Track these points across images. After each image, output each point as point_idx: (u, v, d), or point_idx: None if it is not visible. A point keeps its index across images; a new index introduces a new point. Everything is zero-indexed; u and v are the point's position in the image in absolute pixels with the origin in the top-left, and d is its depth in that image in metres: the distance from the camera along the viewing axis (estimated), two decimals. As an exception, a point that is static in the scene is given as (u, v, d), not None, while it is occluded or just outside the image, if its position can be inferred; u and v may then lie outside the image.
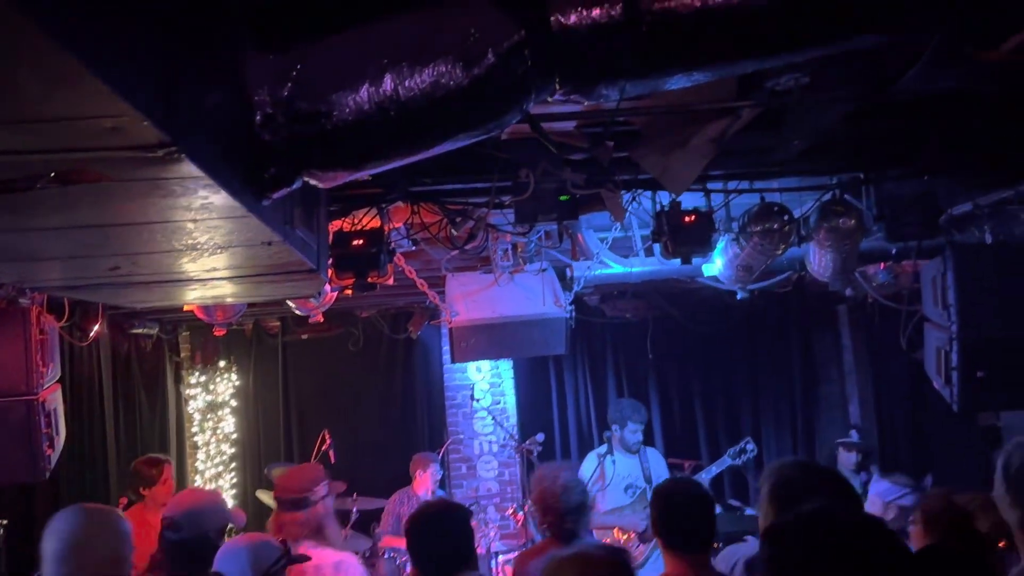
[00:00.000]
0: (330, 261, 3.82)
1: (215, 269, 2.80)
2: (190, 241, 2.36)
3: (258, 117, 1.97)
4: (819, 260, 4.26)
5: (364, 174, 2.21)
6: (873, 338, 7.09)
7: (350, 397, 7.87)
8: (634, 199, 4.02)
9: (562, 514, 3.55)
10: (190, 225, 2.16)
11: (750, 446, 6.17)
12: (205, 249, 2.46)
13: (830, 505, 2.14)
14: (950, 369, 3.68)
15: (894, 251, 4.24)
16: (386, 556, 5.75)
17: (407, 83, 1.95)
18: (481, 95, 2.01)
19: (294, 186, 2.06)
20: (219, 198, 1.91)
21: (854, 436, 6.30)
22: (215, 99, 1.92)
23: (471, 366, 7.94)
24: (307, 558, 3.14)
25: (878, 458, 6.75)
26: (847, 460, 6.05)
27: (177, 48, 1.72)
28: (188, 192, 1.86)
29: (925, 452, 7.09)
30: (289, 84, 1.98)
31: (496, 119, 2.10)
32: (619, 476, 6.00)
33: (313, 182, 2.10)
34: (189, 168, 1.69)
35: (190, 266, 2.76)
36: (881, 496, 4.23)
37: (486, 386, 7.97)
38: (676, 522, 2.97)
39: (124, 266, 2.73)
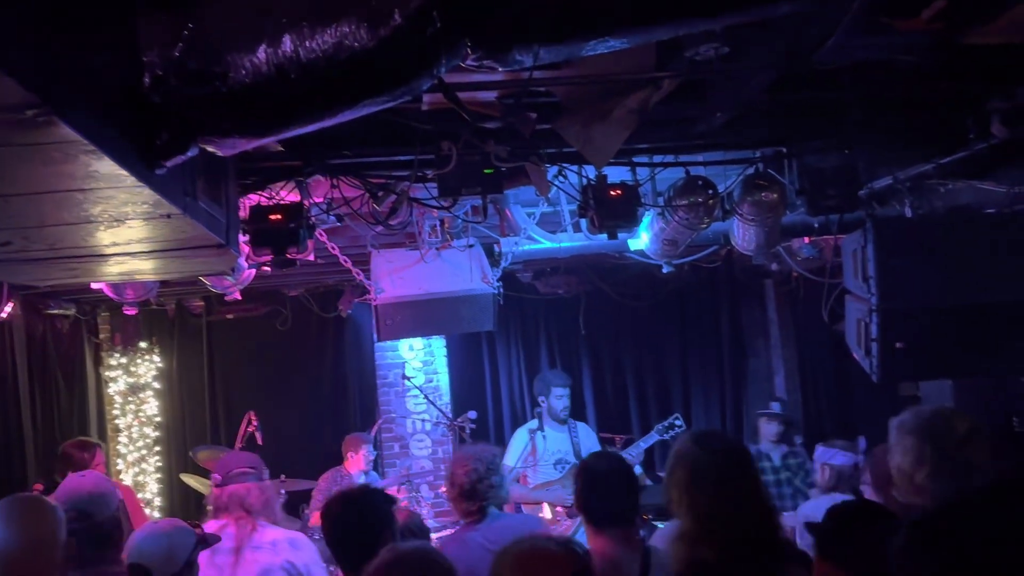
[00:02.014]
0: (246, 237, 3.69)
1: (116, 244, 2.66)
2: (83, 214, 2.22)
3: (147, 79, 1.85)
4: (743, 234, 4.28)
5: (266, 141, 2.11)
6: (798, 312, 7.20)
7: (279, 377, 7.70)
8: (560, 173, 3.97)
9: (467, 492, 3.47)
10: (79, 196, 2.03)
11: (678, 422, 6.21)
12: (100, 222, 2.32)
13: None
14: (870, 340, 3.72)
15: (816, 224, 4.28)
16: (316, 536, 5.65)
17: (308, 44, 1.85)
18: (388, 58, 1.92)
19: (189, 154, 1.95)
20: (104, 166, 1.79)
21: (775, 407, 6.37)
22: (100, 60, 1.79)
23: (403, 344, 7.84)
24: (218, 539, 3.07)
25: (803, 429, 6.88)
26: (768, 431, 6.11)
27: (54, 4, 1.60)
28: (70, 159, 1.73)
29: (848, 422, 7.25)
30: (181, 44, 1.86)
31: (405, 84, 2.01)
32: (549, 451, 6.00)
33: (211, 149, 1.99)
34: (65, 132, 1.57)
35: (89, 241, 2.62)
36: (817, 459, 4.44)
37: (418, 364, 7.88)
38: (598, 498, 2.94)
39: (16, 241, 2.57)
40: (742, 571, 2.14)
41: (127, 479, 7.38)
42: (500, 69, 2.16)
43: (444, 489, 3.61)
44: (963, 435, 2.57)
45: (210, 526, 3.40)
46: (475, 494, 3.48)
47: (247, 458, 3.70)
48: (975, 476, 2.52)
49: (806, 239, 5.16)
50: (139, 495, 7.08)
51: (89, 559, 2.92)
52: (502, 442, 7.38)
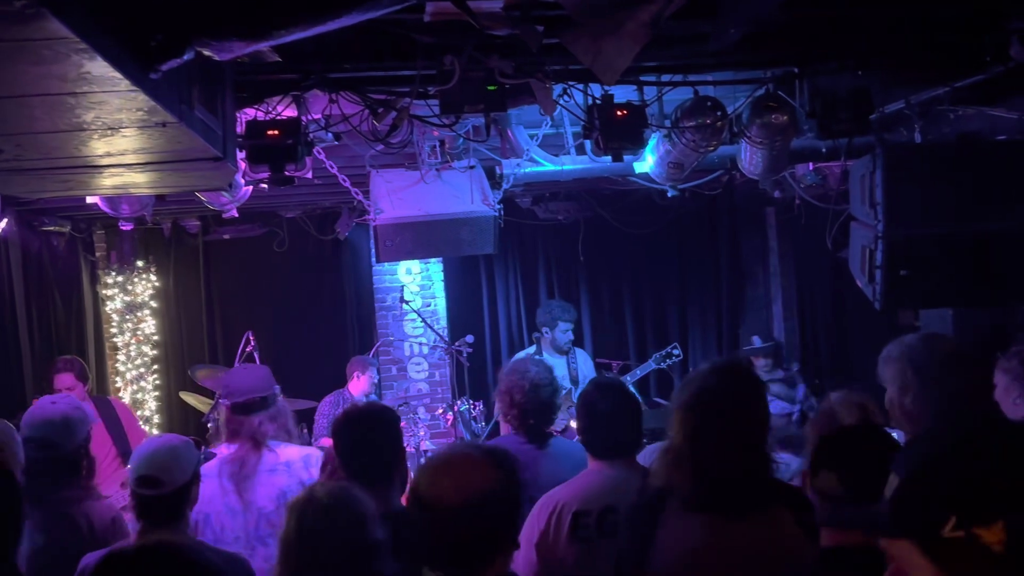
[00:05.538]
0: (243, 154, 3.61)
1: (110, 155, 2.58)
2: (75, 120, 2.15)
3: (140, -24, 1.76)
4: (750, 157, 4.21)
5: (264, 45, 2.02)
6: (798, 240, 7.17)
7: (276, 299, 7.71)
8: (565, 92, 3.86)
9: (526, 411, 3.46)
10: (71, 100, 1.96)
11: (676, 351, 6.23)
12: (94, 130, 2.25)
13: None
14: (874, 267, 3.68)
15: (824, 149, 4.20)
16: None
17: (309, -59, 1.76)
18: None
19: (185, 57, 1.87)
20: (97, 67, 1.71)
21: (756, 342, 6.40)
22: (90, -47, 1.70)
23: (401, 268, 7.82)
24: (213, 455, 3.08)
25: (799, 356, 6.91)
26: (759, 366, 6.18)
27: None
28: (60, 58, 1.66)
29: (844, 350, 7.29)
30: (175, -61, 1.77)
31: (410, -14, 1.93)
32: (546, 377, 6.01)
33: (207, 53, 1.91)
34: (55, 27, 1.50)
35: (82, 151, 2.55)
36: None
37: (416, 288, 7.86)
38: (600, 435, 2.91)
39: (8, 149, 2.50)
40: (714, 502, 2.12)
41: (125, 397, 7.42)
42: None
43: (502, 407, 3.59)
44: (943, 358, 2.48)
45: (221, 450, 3.39)
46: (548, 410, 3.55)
47: (255, 380, 3.53)
48: (959, 401, 2.46)
49: (810, 165, 5.08)
50: (138, 413, 7.13)
51: (47, 490, 2.96)
52: (499, 367, 7.41)
